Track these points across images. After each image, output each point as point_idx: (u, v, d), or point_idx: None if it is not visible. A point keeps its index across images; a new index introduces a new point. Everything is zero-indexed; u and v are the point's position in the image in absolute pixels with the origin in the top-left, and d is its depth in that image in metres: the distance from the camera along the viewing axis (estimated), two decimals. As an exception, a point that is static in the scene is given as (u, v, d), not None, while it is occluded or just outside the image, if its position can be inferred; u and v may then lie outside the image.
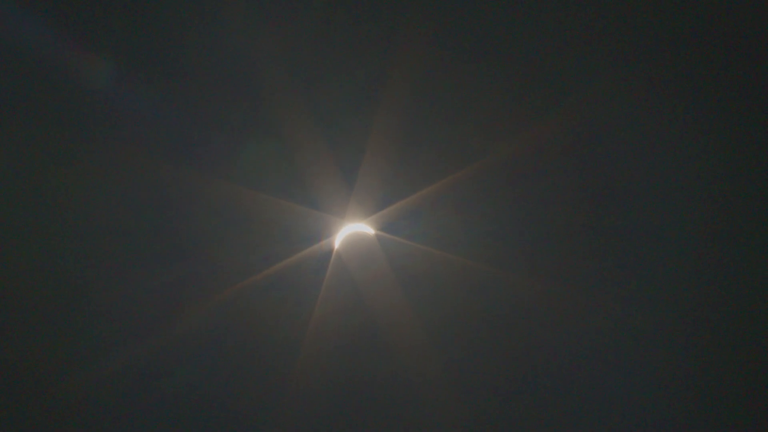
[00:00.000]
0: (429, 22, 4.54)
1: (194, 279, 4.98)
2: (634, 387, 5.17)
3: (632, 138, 4.85)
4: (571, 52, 4.69)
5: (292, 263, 4.99)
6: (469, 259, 5.00)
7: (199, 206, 4.84)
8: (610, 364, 5.17)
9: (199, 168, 4.72)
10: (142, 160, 4.60)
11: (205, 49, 4.47)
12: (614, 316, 5.08)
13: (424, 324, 5.09)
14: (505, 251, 5.03)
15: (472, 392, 5.22)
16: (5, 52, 4.21)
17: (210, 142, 4.71)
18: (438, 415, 5.21)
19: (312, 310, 5.04)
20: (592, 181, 4.95)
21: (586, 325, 5.13)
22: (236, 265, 4.99)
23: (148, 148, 4.59)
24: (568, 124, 4.83)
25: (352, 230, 5.00)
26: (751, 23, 4.49)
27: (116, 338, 4.94)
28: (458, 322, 5.13)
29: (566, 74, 4.74)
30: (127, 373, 5.04)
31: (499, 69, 4.72)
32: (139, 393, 5.11)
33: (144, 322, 4.95)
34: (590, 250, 5.05)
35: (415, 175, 4.86)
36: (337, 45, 4.59)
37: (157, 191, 4.71)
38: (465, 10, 4.55)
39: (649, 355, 5.08)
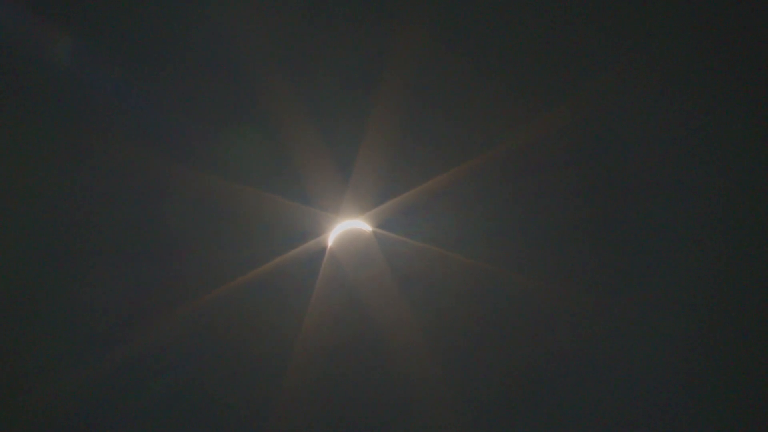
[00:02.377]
0: (427, 12, 4.43)
1: (176, 279, 4.76)
2: (637, 388, 5.09)
3: (637, 132, 4.79)
4: (574, 43, 4.62)
5: (282, 262, 4.78)
6: (469, 257, 4.87)
7: (182, 201, 4.64)
8: (612, 363, 5.09)
9: (184, 161, 4.52)
10: (126, 153, 4.40)
11: (195, 38, 4.29)
12: (617, 315, 5.01)
13: (423, 325, 4.92)
14: (505, 249, 4.92)
15: (471, 392, 5.09)
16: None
17: (196, 134, 4.50)
18: (436, 416, 5.05)
19: (304, 313, 4.84)
20: (595, 177, 4.89)
21: (588, 324, 5.05)
22: (221, 265, 4.77)
23: (132, 141, 4.39)
24: (570, 118, 4.76)
25: (346, 227, 4.81)
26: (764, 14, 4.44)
27: (99, 339, 4.71)
28: (458, 323, 4.99)
29: (569, 67, 4.67)
30: (113, 374, 4.81)
31: (499, 61, 4.64)
32: (124, 395, 4.87)
33: (127, 322, 4.72)
34: (592, 248, 4.98)
35: (413, 170, 4.73)
36: (331, 33, 4.47)
37: (140, 185, 4.49)
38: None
39: (652, 354, 5.01)
